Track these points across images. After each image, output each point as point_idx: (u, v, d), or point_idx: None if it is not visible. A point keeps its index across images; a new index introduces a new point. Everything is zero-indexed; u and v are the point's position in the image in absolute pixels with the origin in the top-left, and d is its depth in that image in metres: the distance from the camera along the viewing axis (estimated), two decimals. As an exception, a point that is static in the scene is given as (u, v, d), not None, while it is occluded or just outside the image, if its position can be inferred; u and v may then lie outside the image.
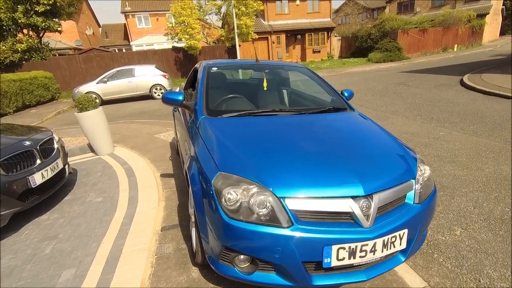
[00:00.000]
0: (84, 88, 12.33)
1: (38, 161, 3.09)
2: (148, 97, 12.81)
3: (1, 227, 2.68)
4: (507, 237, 2.39)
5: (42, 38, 17.28)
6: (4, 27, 15.25)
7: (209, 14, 20.30)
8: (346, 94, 3.17)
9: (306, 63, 23.55)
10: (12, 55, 15.23)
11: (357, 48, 24.59)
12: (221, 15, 20.47)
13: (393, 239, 1.58)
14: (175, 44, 18.81)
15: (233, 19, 17.04)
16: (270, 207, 1.50)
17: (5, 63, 15.18)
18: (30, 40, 15.88)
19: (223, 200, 1.54)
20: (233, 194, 1.52)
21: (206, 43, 21.24)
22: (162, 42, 25.31)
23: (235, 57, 18.12)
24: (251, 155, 1.74)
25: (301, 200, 1.52)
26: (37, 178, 2.97)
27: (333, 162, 1.73)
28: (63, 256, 2.42)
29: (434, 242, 2.40)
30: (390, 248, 1.58)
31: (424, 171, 1.96)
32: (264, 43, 24.56)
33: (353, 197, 1.54)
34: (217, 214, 1.54)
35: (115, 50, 29.42)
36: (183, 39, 17.34)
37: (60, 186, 3.45)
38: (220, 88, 3.06)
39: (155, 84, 12.75)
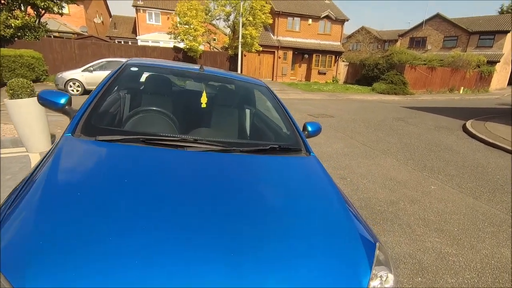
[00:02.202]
0: (68, 74, 11.66)
1: None
2: (133, 93, 12.07)
3: None
4: None
5: (42, 18, 16.70)
6: (0, 1, 14.68)
7: (217, 19, 19.83)
8: (309, 129, 2.40)
9: (309, 83, 23.04)
10: (3, 29, 14.57)
11: (363, 76, 24.12)
12: (229, 22, 20.02)
13: None
14: (177, 44, 18.27)
15: (239, 27, 16.53)
16: None
17: (-5, 36, 14.52)
18: (27, 18, 15.28)
19: None
20: None
21: (209, 48, 20.73)
22: (169, 41, 24.84)
23: (236, 65, 17.52)
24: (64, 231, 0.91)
25: None
26: None
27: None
28: None
29: None
30: None
31: (384, 280, 1.17)
32: (270, 57, 24.11)
33: None
34: None
35: (120, 42, 29.02)
36: (184, 40, 16.79)
37: None
38: (136, 95, 2.29)
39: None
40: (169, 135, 1.66)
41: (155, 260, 0.89)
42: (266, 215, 1.23)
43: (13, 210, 0.98)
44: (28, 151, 4.30)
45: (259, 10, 17.48)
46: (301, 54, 24.89)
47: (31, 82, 4.34)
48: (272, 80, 24.37)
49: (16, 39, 15.19)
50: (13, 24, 14.64)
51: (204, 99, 2.28)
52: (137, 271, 0.84)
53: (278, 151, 1.87)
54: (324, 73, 25.19)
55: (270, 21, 18.40)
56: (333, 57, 25.26)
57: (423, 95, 20.66)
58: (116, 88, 2.06)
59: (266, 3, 18.47)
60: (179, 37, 17.32)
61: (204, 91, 2.30)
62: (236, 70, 17.12)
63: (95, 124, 1.63)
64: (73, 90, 11.48)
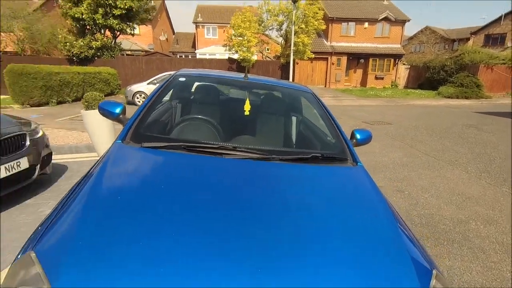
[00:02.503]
0: (135, 87, 12.94)
1: (-8, 159, 2.76)
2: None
3: None
4: None
5: (117, 39, 18.95)
6: (85, 26, 17.09)
7: (270, 29, 20.20)
8: (358, 136, 2.23)
9: (365, 89, 21.94)
10: (87, 51, 16.88)
11: (426, 79, 22.10)
12: (282, 31, 20.22)
13: None
14: (231, 55, 19.04)
15: (291, 35, 16.58)
16: None
17: (80, 57, 16.88)
18: (105, 39, 17.49)
19: None
20: None
21: (262, 57, 21.15)
22: (224, 53, 26.13)
23: (288, 73, 17.53)
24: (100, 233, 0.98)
25: None
26: (-20, 178, 2.63)
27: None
28: None
29: None
30: None
31: None
32: (323, 64, 23.64)
33: None
34: None
35: (182, 56, 31.38)
36: (238, 51, 17.42)
37: (21, 186, 3.10)
38: (185, 103, 2.40)
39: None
40: (209, 142, 1.69)
41: (184, 264, 0.89)
42: (299, 229, 1.14)
43: (61, 211, 1.09)
44: (99, 156, 4.84)
45: (311, 17, 17.35)
46: (356, 59, 23.90)
47: (103, 95, 4.90)
48: (325, 87, 23.81)
49: (96, 58, 17.45)
50: (94, 46, 16.88)
51: (247, 107, 2.29)
52: (164, 277, 0.85)
53: (321, 160, 1.77)
54: (382, 78, 23.74)
55: (323, 27, 18.10)
56: (392, 60, 23.72)
57: (502, 99, 18.06)
58: (164, 97, 2.19)
59: (319, 9, 18.25)
60: (233, 49, 18.04)
61: (247, 99, 2.32)
62: (288, 78, 17.14)
63: (142, 131, 1.75)
64: (139, 101, 12.70)
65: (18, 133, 3.17)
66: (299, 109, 2.66)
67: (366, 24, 23.49)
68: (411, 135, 7.50)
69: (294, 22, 16.67)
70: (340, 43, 23.48)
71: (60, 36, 16.99)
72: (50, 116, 8.96)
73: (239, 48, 17.24)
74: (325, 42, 23.76)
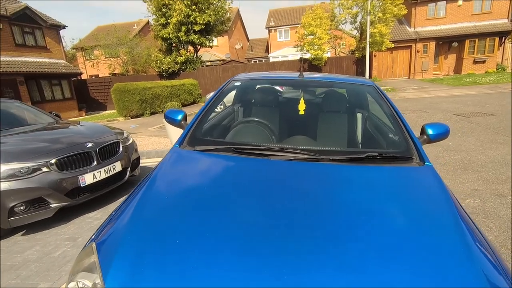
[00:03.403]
0: (213, 95, 14.02)
1: (95, 163, 3.39)
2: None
3: (48, 217, 3.03)
4: None
5: (198, 52, 20.90)
6: (172, 44, 19.37)
7: (343, 23, 19.28)
8: (430, 132, 1.95)
9: (460, 76, 18.91)
10: (173, 66, 19.09)
11: (549, 57, 17.75)
12: (356, 24, 19.06)
13: None
14: (303, 55, 18.87)
15: (367, 27, 15.48)
16: None
17: (168, 72, 19.21)
18: (188, 54, 19.49)
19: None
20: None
21: (335, 53, 20.33)
22: (297, 54, 26.11)
23: (364, 68, 16.41)
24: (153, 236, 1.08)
25: None
26: (88, 178, 3.26)
27: None
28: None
29: None
30: None
31: None
32: (406, 53, 21.35)
33: None
34: None
35: (256, 61, 32.58)
36: (309, 50, 17.16)
37: (116, 186, 3.71)
38: (241, 107, 2.49)
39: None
40: (256, 144, 1.74)
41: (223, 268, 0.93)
42: (346, 239, 1.05)
43: (122, 209, 1.28)
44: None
45: (389, 3, 15.86)
46: (448, 43, 20.81)
47: (181, 104, 5.48)
48: (409, 78, 21.43)
49: (181, 71, 19.57)
50: (179, 61, 18.99)
51: (302, 106, 2.27)
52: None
53: (381, 159, 1.62)
54: (483, 61, 20.06)
55: (404, 12, 16.32)
56: (496, 39, 19.80)
57: None
58: (219, 101, 2.33)
59: (399, -7, 16.57)
60: (304, 48, 17.86)
61: (302, 98, 2.28)
62: (364, 73, 16.04)
63: (197, 136, 1.90)
64: (217, 108, 13.67)
65: (114, 141, 3.81)
66: (359, 104, 2.49)
67: (461, 1, 20.23)
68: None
69: (370, 12, 15.52)
70: (426, 27, 20.80)
71: (152, 55, 19.67)
72: (144, 125, 10.44)
73: (310, 47, 16.97)
74: (408, 28, 21.40)
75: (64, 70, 16.58)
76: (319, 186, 1.41)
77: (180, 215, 1.18)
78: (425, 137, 1.95)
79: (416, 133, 1.96)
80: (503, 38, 20.04)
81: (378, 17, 16.17)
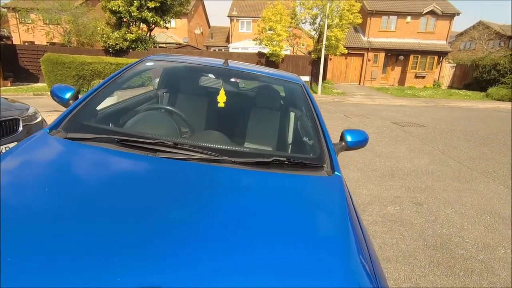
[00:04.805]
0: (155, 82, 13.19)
1: (-23, 143, 2.75)
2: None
3: None
4: None
5: (152, 32, 19.47)
6: (122, 19, 17.75)
7: (303, 23, 19.47)
8: (348, 138, 1.83)
9: (402, 88, 20.48)
10: (122, 42, 17.53)
11: (474, 79, 20.09)
12: (315, 25, 19.42)
13: None
14: (261, 50, 18.71)
15: (324, 29, 15.82)
16: None
17: (115, 48, 17.59)
18: (139, 32, 18.04)
19: None
20: None
21: (293, 52, 20.55)
22: (256, 47, 25.88)
23: (319, 69, 16.82)
24: None
25: None
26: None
27: None
28: None
29: None
30: None
31: None
32: (358, 60, 22.48)
33: None
34: None
35: (215, 50, 31.67)
36: (267, 45, 17.05)
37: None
38: (167, 93, 2.16)
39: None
40: (145, 136, 1.42)
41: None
42: (217, 253, 0.85)
43: None
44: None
45: (347, 10, 16.39)
46: (395, 55, 22.39)
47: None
48: (360, 84, 22.64)
49: (130, 50, 18.07)
50: (129, 38, 17.47)
51: (221, 98, 1.99)
52: None
53: (290, 165, 1.42)
54: (423, 77, 22.00)
55: (359, 21, 17.01)
56: (436, 58, 21.84)
57: None
58: (124, 83, 1.96)
59: (356, 1, 17.21)
60: (263, 43, 17.68)
61: (223, 89, 2.01)
62: (318, 74, 16.44)
63: (80, 120, 1.52)
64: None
65: (11, 117, 3.16)
66: (281, 103, 2.30)
67: (409, 18, 21.83)
68: (445, 139, 6.70)
69: (328, 16, 15.86)
70: (378, 38, 22.10)
71: (98, 28, 17.84)
72: (78, 103, 9.35)
73: (268, 42, 16.84)
74: (362, 37, 22.52)
75: (-15, 31, 14.17)
76: (201, 193, 1.14)
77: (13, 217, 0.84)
78: (343, 143, 1.83)
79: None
80: (441, 57, 22.15)
81: (336, 22, 16.62)
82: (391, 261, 2.42)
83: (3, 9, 25.75)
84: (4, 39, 16.30)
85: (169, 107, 1.95)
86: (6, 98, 3.58)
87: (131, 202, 1.01)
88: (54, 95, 1.80)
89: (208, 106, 2.15)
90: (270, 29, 16.86)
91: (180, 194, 1.10)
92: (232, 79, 2.74)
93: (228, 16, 31.77)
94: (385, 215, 3.17)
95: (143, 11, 17.14)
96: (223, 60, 2.16)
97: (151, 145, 1.34)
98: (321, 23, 17.79)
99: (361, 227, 1.16)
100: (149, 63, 2.11)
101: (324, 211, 1.19)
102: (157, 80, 2.92)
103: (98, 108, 1.83)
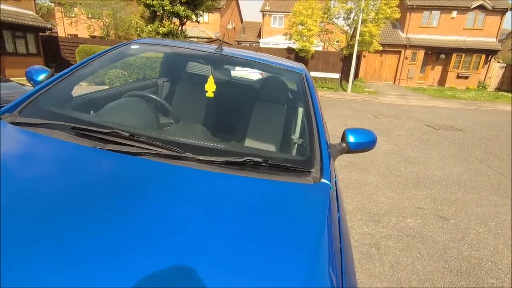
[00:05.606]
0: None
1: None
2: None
3: None
4: None
5: (184, 26, 19.78)
6: (156, 13, 18.18)
7: (336, 18, 18.68)
8: (351, 139, 1.53)
9: (442, 89, 19.03)
10: (154, 36, 17.96)
11: (528, 81, 18.11)
12: (350, 20, 18.55)
13: None
14: (291, 45, 18.27)
15: (358, 24, 15.02)
16: None
17: (148, 42, 18.09)
18: (171, 26, 18.39)
19: None
20: None
21: (324, 48, 19.85)
22: (287, 43, 25.38)
23: (350, 67, 16.05)
24: None
25: None
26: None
27: None
28: None
29: None
30: None
31: None
32: (394, 58, 21.23)
33: None
34: None
35: (247, 45, 31.59)
36: (297, 41, 16.58)
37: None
38: (128, 76, 2.00)
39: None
40: (97, 124, 1.24)
41: None
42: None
43: None
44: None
45: (384, 3, 15.42)
46: (436, 54, 20.82)
47: (126, 73, 4.87)
48: (394, 83, 21.39)
49: (162, 43, 18.50)
50: (161, 31, 17.86)
51: (210, 87, 1.77)
52: None
53: (266, 168, 1.17)
54: (466, 77, 20.26)
55: (397, 15, 15.91)
56: (483, 57, 19.99)
57: None
58: (107, 65, 1.81)
59: (395, -5, 16.14)
60: (293, 38, 17.24)
61: (211, 77, 1.79)
62: (349, 72, 15.69)
63: (42, 105, 1.37)
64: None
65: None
66: (281, 95, 2.04)
67: (455, 13, 20.14)
68: (485, 146, 5.98)
69: (363, 9, 15.03)
70: (418, 35, 20.66)
71: (133, 21, 18.43)
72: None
73: (298, 37, 16.36)
74: (400, 33, 21.19)
75: (30, 23, 15.15)
76: (131, 197, 0.92)
77: None
78: (344, 145, 1.54)
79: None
80: (490, 56, 20.24)
81: (372, 16, 15.73)
82: (402, 284, 2.08)
83: (50, 3, 27.58)
84: (48, 31, 17.36)
85: (151, 95, 1.77)
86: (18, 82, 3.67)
87: (34, 205, 0.82)
88: (28, 76, 1.69)
89: (199, 97, 1.95)
90: (300, 24, 16.36)
91: (106, 197, 0.90)
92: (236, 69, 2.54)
93: (261, 11, 31.52)
94: (403, 228, 2.80)
95: (176, 5, 17.42)
96: (216, 46, 1.94)
97: (104, 135, 1.16)
98: (355, 17, 16.95)
99: (342, 241, 0.92)
100: (134, 46, 1.94)
101: (291, 228, 0.93)
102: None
103: (81, 93, 1.70)
